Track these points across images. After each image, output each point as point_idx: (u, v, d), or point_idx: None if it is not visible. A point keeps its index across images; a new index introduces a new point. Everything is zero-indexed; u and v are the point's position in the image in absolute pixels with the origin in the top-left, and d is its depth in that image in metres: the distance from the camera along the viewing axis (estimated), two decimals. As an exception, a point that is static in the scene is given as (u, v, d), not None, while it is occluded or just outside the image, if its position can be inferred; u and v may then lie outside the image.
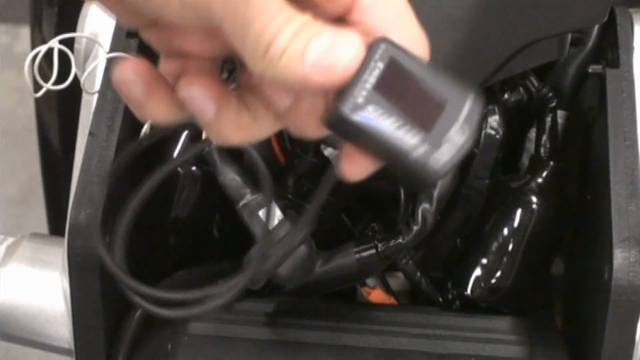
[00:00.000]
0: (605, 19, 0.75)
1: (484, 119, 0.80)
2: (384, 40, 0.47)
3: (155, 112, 0.50)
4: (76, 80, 0.79)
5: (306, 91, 0.48)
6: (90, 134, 0.74)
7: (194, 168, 0.80)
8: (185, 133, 0.80)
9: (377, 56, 0.46)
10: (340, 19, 0.47)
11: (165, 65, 0.51)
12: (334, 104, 0.46)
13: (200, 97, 0.49)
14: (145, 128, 0.76)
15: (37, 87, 0.78)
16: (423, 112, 0.47)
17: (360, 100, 0.46)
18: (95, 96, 0.76)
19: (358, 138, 0.47)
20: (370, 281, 0.87)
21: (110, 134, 0.74)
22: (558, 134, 0.83)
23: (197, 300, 0.63)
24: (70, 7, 0.89)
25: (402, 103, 0.47)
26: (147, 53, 0.80)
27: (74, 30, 0.83)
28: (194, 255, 0.83)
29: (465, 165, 0.80)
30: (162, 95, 0.50)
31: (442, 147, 0.47)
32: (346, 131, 0.47)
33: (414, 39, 0.48)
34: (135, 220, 0.65)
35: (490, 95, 0.80)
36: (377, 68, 0.46)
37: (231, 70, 0.51)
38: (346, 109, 0.46)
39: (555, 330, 0.80)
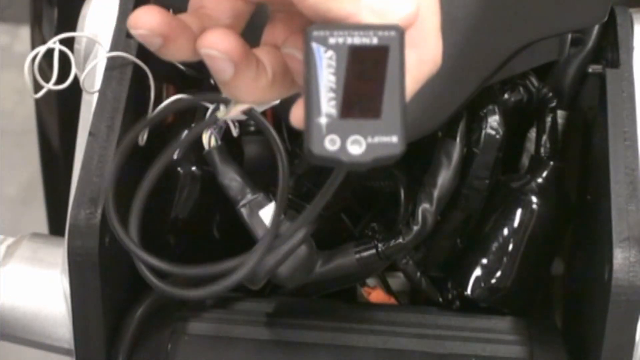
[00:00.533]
0: (605, 19, 0.75)
1: (484, 119, 0.80)
2: (399, 31, 0.47)
3: (172, 56, 0.50)
4: (76, 80, 0.79)
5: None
6: (90, 134, 0.74)
7: (194, 168, 0.80)
8: (185, 132, 0.80)
9: (379, 33, 0.46)
10: None
11: (189, 20, 0.50)
12: (314, 25, 0.46)
13: (220, 59, 0.48)
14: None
15: (37, 88, 0.78)
16: (357, 104, 0.47)
17: (331, 40, 0.46)
18: (95, 96, 0.76)
19: (304, 61, 0.47)
20: (370, 281, 0.87)
21: (110, 134, 0.74)
22: (558, 134, 0.83)
23: (210, 276, 0.63)
24: (70, 7, 0.89)
25: (354, 81, 0.46)
26: (148, 53, 0.81)
27: (74, 30, 0.83)
28: (194, 255, 0.83)
29: (465, 165, 0.80)
30: (178, 42, 0.49)
31: (340, 139, 0.46)
32: (304, 49, 0.47)
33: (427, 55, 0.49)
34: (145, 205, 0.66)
35: (490, 95, 0.80)
36: (369, 39, 0.46)
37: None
38: (315, 33, 0.46)
39: (555, 330, 0.80)
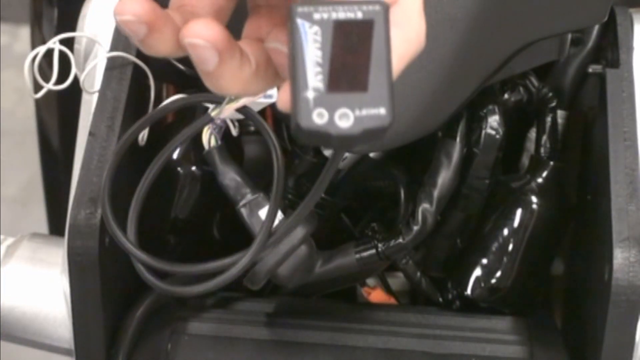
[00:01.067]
0: (606, 19, 0.75)
1: (484, 119, 0.80)
2: (383, 5, 0.46)
3: (157, 49, 0.49)
4: (76, 80, 0.79)
5: None
6: (90, 134, 0.74)
7: (194, 168, 0.80)
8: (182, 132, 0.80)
9: (364, 8, 0.46)
10: None
11: (172, 14, 0.50)
12: (298, 1, 0.46)
13: (204, 47, 0.48)
14: (145, 129, 0.76)
15: (37, 88, 0.78)
16: (344, 78, 0.46)
17: (316, 16, 0.46)
18: (95, 96, 0.76)
19: (288, 38, 0.47)
20: (370, 281, 0.87)
21: (110, 134, 0.74)
22: (558, 134, 0.83)
23: (207, 274, 0.63)
24: (70, 7, 0.89)
25: (340, 55, 0.46)
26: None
27: (74, 30, 0.83)
28: (194, 255, 0.83)
29: (465, 165, 0.80)
30: (164, 33, 0.49)
31: (327, 113, 0.46)
32: (288, 26, 0.47)
33: (410, 33, 0.49)
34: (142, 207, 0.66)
35: (490, 95, 0.80)
36: (354, 13, 0.46)
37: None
38: (299, 10, 0.46)
39: (555, 330, 0.80)
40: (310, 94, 0.46)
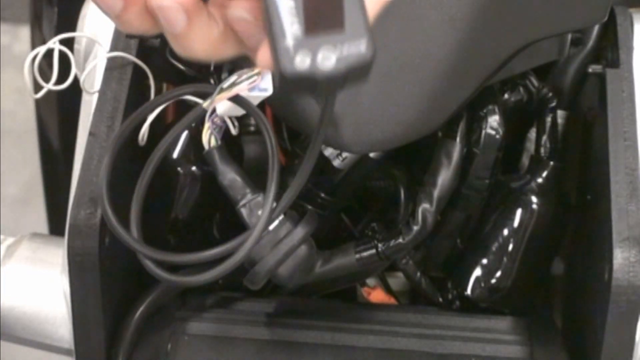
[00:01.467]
0: (606, 18, 0.75)
1: (484, 119, 0.80)
2: None
3: (132, 25, 0.50)
4: (76, 80, 0.79)
5: None
6: (90, 134, 0.74)
7: (194, 168, 0.80)
8: (185, 133, 0.80)
9: None
10: None
11: None
12: None
13: (172, 8, 0.49)
14: (145, 129, 0.76)
15: (37, 88, 0.78)
16: (320, 20, 0.47)
17: None
18: (95, 96, 0.76)
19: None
20: (370, 281, 0.87)
21: (110, 134, 0.74)
22: (558, 134, 0.83)
23: (206, 263, 0.64)
24: (70, 7, 0.89)
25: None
26: (148, 53, 0.80)
27: (74, 30, 0.83)
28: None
29: (465, 165, 0.80)
30: (139, 6, 0.50)
31: (309, 57, 0.46)
32: None
33: None
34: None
35: (490, 95, 0.80)
36: None
37: None
38: None
39: (555, 330, 0.80)
40: (289, 42, 0.46)
